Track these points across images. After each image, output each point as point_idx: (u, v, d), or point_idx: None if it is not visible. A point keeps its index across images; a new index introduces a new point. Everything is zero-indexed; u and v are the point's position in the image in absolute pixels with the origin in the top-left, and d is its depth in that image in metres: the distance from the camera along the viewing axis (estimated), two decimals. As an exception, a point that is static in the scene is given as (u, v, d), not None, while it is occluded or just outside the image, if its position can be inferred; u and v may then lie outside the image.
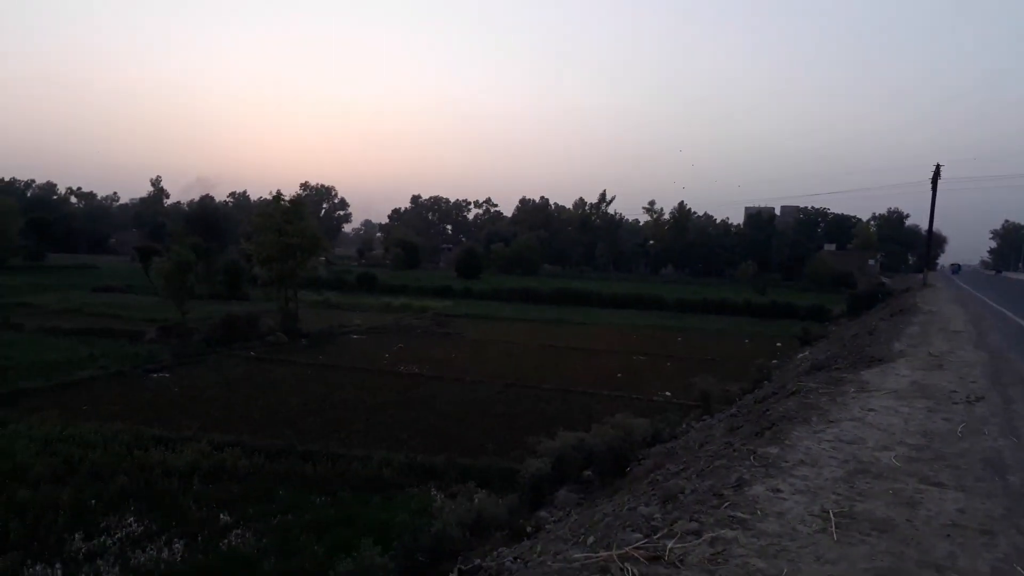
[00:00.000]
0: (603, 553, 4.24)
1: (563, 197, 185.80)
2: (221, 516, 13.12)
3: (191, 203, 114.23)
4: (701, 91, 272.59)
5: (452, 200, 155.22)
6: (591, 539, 5.86)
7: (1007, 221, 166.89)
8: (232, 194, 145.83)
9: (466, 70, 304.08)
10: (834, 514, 4.49)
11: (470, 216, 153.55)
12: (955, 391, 8.94)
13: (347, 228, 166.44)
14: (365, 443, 17.48)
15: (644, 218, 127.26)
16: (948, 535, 4.21)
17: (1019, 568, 3.77)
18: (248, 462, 15.57)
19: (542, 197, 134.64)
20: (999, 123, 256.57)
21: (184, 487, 14.33)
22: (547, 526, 10.79)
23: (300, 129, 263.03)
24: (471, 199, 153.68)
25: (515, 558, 7.68)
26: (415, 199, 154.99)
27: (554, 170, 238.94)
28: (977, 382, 9.70)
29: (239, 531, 12.54)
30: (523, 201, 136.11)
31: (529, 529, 10.90)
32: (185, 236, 51.76)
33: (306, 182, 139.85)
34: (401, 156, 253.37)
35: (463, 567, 8.50)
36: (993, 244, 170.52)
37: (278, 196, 39.96)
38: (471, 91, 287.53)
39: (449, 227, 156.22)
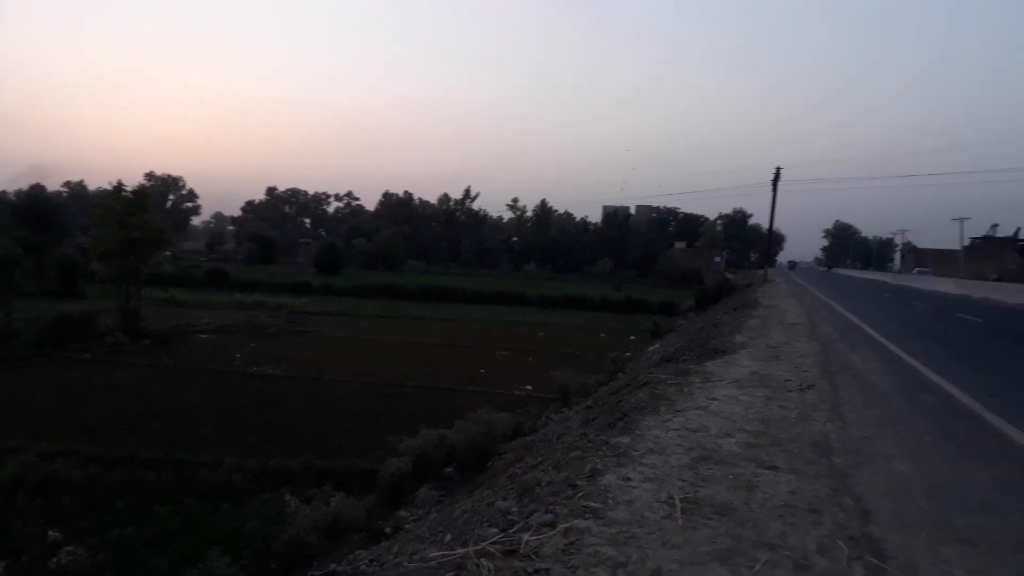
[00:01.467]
0: (459, 550, 4.20)
1: (427, 192, 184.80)
2: (50, 533, 12.06)
3: (19, 193, 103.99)
4: (564, 92, 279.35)
5: (311, 193, 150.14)
6: (448, 536, 5.82)
7: (837, 221, 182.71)
8: (67, 184, 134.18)
9: (326, 60, 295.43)
10: (680, 500, 4.67)
11: (330, 210, 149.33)
12: (790, 380, 9.60)
13: (196, 221, 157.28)
14: (214, 448, 16.62)
15: (508, 215, 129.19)
16: (781, 515, 4.48)
17: (840, 543, 4.07)
18: (83, 472, 14.41)
19: (406, 191, 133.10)
20: (836, 131, 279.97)
21: (7, 503, 13.05)
22: (406, 526, 10.67)
23: (147, 117, 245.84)
24: (331, 192, 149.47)
25: (371, 560, 7.53)
26: (271, 191, 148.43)
27: (418, 165, 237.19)
28: (809, 371, 10.47)
29: (71, 548, 11.57)
30: (386, 195, 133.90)
31: (388, 530, 10.74)
32: (11, 229, 47.14)
33: (151, 172, 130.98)
34: (256, 147, 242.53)
35: (316, 573, 8.24)
36: (825, 243, 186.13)
37: (119, 186, 37.26)
38: (331, 82, 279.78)
39: (308, 221, 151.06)
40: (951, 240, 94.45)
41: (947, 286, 48.79)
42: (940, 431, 6.99)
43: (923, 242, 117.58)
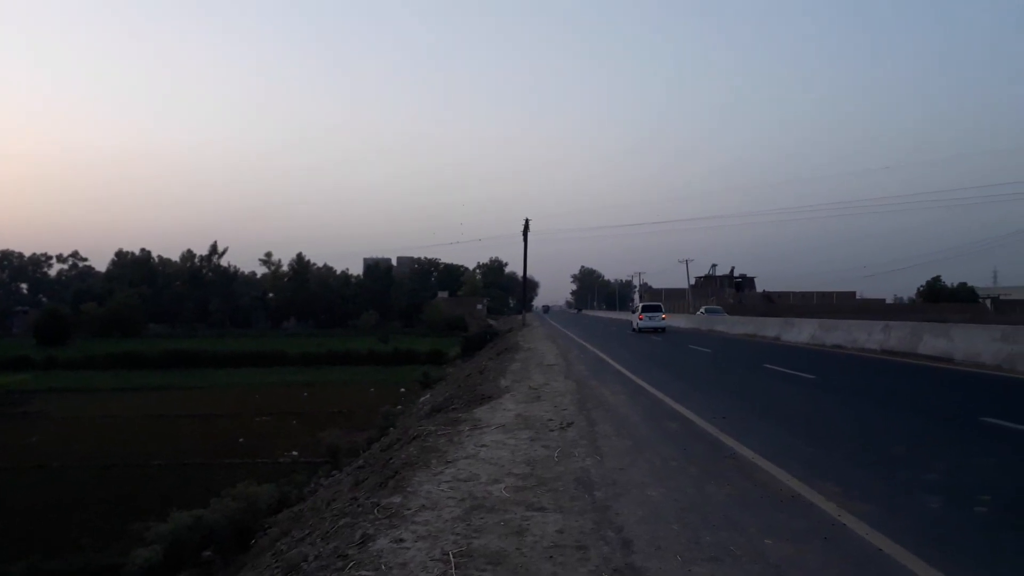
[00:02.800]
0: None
1: (168, 249, 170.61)
2: None
3: None
4: (317, 141, 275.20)
5: (27, 254, 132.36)
6: (207, 631, 5.26)
7: (583, 267, 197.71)
8: None
9: (39, 101, 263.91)
10: (453, 555, 4.61)
11: (52, 273, 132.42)
12: (551, 419, 10.03)
13: None
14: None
15: (261, 270, 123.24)
16: (551, 556, 4.59)
17: (607, 576, 4.25)
18: None
19: (143, 249, 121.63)
20: (579, 183, 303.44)
21: None
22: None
23: None
24: (53, 252, 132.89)
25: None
26: None
27: (156, 219, 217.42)
28: (568, 409, 11.03)
29: None
30: (119, 254, 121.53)
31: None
32: None
33: None
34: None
35: None
36: (574, 287, 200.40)
37: None
38: (46, 130, 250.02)
39: (25, 286, 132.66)
40: (679, 279, 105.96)
41: (679, 321, 54.51)
42: (684, 455, 7.65)
43: (656, 283, 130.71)
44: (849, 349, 23.68)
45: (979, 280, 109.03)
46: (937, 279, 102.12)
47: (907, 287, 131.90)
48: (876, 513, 5.39)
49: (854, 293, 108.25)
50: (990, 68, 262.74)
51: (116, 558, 13.12)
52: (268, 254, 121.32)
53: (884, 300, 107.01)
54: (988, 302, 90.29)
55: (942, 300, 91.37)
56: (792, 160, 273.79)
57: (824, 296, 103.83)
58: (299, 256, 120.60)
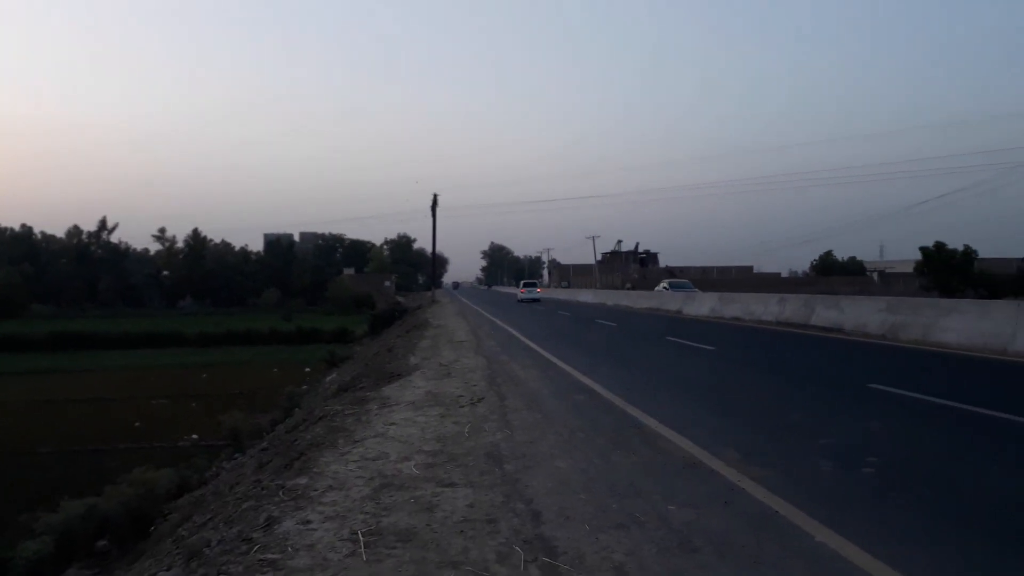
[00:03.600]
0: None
1: (53, 225, 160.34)
2: None
3: None
4: (213, 113, 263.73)
5: None
6: (100, 625, 5.01)
7: (492, 243, 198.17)
8: None
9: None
10: (362, 534, 4.54)
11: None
12: (461, 395, 10.02)
13: None
14: None
15: (155, 247, 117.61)
16: (462, 531, 4.59)
17: (516, 548, 4.28)
18: None
19: (23, 225, 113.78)
20: (488, 158, 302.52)
21: None
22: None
23: None
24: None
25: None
26: None
27: (38, 194, 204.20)
28: (478, 385, 11.04)
29: None
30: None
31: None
32: None
33: None
34: None
35: None
36: (484, 263, 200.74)
37: None
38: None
39: None
40: (588, 255, 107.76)
41: (586, 296, 55.54)
42: (591, 427, 7.79)
43: (565, 258, 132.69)
44: (747, 321, 24.71)
45: (867, 254, 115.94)
46: (829, 253, 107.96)
47: (801, 261, 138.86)
48: (773, 477, 5.64)
49: (751, 267, 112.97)
50: (876, 50, 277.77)
51: (2, 551, 12.36)
52: (162, 230, 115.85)
53: (779, 274, 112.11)
54: (875, 275, 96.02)
55: (833, 273, 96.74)
56: (697, 139, 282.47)
57: (723, 271, 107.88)
58: (195, 232, 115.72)
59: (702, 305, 30.71)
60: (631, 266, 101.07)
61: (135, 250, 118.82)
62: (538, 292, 58.22)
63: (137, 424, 25.54)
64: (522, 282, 65.22)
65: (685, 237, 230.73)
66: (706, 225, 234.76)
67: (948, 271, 49.18)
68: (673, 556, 4.15)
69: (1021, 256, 68.18)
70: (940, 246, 50.12)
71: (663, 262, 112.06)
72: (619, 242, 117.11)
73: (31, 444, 22.16)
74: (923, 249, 51.08)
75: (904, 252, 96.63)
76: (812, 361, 14.52)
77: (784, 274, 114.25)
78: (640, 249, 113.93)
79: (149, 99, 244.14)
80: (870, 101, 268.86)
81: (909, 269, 68.70)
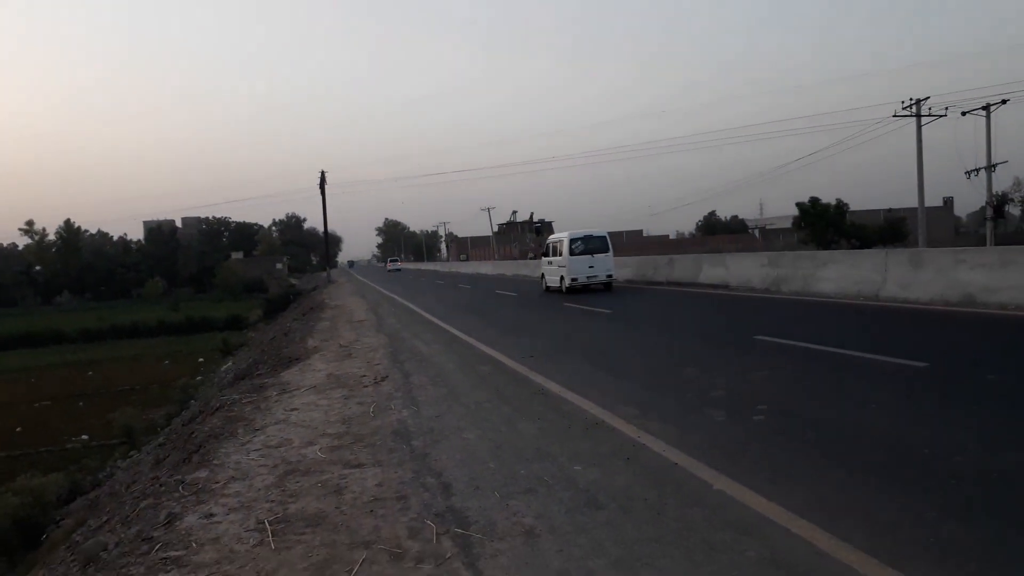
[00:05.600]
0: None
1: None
2: None
3: None
4: (76, 92, 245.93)
5: None
6: (-10, 645, 4.73)
7: (387, 219, 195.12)
8: None
9: None
10: (269, 523, 4.47)
11: None
12: (365, 375, 9.91)
13: None
14: None
15: (23, 240, 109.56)
16: (372, 510, 4.58)
17: (428, 522, 4.31)
18: None
19: None
20: (378, 134, 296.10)
21: None
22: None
23: None
24: None
25: None
26: None
27: None
28: (381, 363, 10.95)
29: None
30: None
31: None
32: None
33: None
34: None
35: None
36: (380, 239, 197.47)
37: None
38: None
39: None
40: (484, 228, 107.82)
41: (486, 268, 55.73)
42: (496, 396, 7.89)
43: (462, 231, 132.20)
44: (640, 283, 25.46)
45: (748, 213, 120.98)
46: (712, 214, 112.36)
47: (687, 223, 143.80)
48: (670, 431, 5.90)
49: (641, 231, 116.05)
50: (752, 13, 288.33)
51: None
52: (29, 223, 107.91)
53: (668, 236, 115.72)
54: (757, 232, 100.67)
55: (718, 232, 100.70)
56: (584, 107, 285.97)
57: (615, 235, 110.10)
58: (67, 223, 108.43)
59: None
60: (527, 236, 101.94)
61: (1, 246, 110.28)
62: (399, 264, 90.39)
63: (19, 429, 23.96)
64: (388, 259, 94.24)
65: (577, 205, 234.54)
66: (597, 192, 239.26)
67: (823, 224, 51.89)
68: (580, 514, 4.29)
69: (887, 207, 72.97)
70: (815, 201, 52.76)
71: (557, 230, 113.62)
72: (514, 212, 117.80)
73: None
74: (799, 205, 53.65)
75: (782, 209, 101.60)
76: (702, 317, 15.15)
77: (672, 236, 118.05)
78: (535, 219, 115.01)
79: (7, 84, 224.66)
80: (744, 64, 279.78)
81: (788, 224, 72.30)
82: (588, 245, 22.79)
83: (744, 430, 5.92)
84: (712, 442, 5.59)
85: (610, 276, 23.03)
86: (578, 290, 22.64)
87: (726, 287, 20.00)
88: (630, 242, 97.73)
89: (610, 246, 23.25)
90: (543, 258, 25.98)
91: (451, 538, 4.07)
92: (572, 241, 22.91)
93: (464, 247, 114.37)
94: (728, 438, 5.73)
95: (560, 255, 23.42)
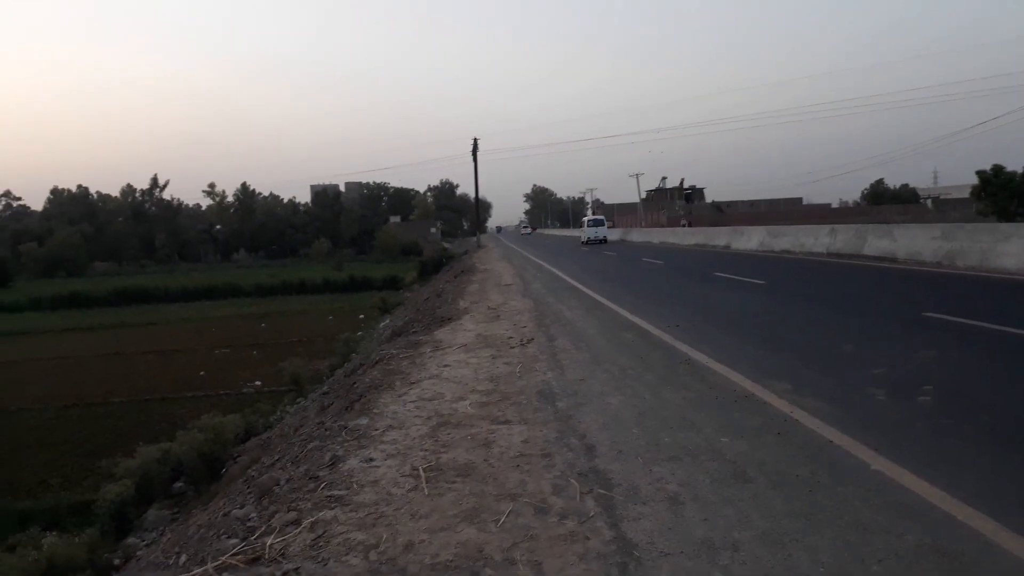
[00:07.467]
0: (197, 570, 3.88)
1: (106, 184, 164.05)
2: None
3: None
4: (255, 68, 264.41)
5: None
6: (184, 557, 5.35)
7: (535, 185, 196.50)
8: None
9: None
10: (423, 470, 4.73)
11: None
12: (511, 337, 10.16)
13: None
14: None
15: (206, 202, 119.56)
16: (518, 465, 4.74)
17: (572, 481, 4.42)
18: None
19: (80, 186, 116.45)
20: (529, 100, 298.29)
21: None
22: (138, 553, 9.70)
23: None
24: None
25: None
26: None
27: (92, 155, 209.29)
28: (527, 326, 11.17)
29: None
30: (55, 191, 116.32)
31: (117, 562, 9.70)
32: None
33: None
34: None
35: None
36: (527, 206, 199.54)
37: None
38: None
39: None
40: (631, 194, 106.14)
41: (632, 235, 55.01)
42: (640, 364, 7.86)
43: (609, 198, 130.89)
44: (797, 254, 24.27)
45: (920, 181, 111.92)
46: (880, 182, 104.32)
47: (852, 191, 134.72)
48: (826, 408, 5.66)
49: (800, 199, 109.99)
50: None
51: (87, 495, 13.14)
52: (211, 185, 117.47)
53: (830, 205, 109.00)
54: (929, 202, 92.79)
55: (885, 202, 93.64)
56: (739, 69, 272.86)
57: (772, 203, 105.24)
58: (244, 186, 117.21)
59: (751, 239, 30.20)
60: (676, 203, 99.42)
61: (187, 206, 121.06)
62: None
63: (202, 373, 26.51)
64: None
65: (731, 171, 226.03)
66: (752, 158, 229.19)
67: (1007, 195, 46.89)
68: (727, 486, 4.23)
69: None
70: (998, 169, 47.57)
71: (709, 197, 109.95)
72: (663, 179, 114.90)
73: (104, 395, 23.22)
74: (980, 173, 48.58)
75: (960, 177, 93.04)
76: (864, 291, 14.26)
77: (834, 205, 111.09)
78: (686, 185, 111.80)
79: (192, 58, 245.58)
80: (920, 23, 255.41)
81: (965, 195, 66.04)
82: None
83: (908, 411, 5.58)
84: (871, 421, 5.32)
85: None
86: (723, 259, 21.91)
87: (892, 260, 18.67)
88: (788, 210, 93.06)
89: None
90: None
91: (594, 498, 4.15)
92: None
93: (610, 213, 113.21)
94: (889, 418, 5.42)
95: None
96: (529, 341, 9.69)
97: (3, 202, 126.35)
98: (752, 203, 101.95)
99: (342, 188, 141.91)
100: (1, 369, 29.89)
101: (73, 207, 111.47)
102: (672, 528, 3.71)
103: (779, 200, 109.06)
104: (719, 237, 34.77)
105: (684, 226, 54.67)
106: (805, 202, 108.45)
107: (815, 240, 24.21)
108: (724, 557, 3.37)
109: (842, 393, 6.21)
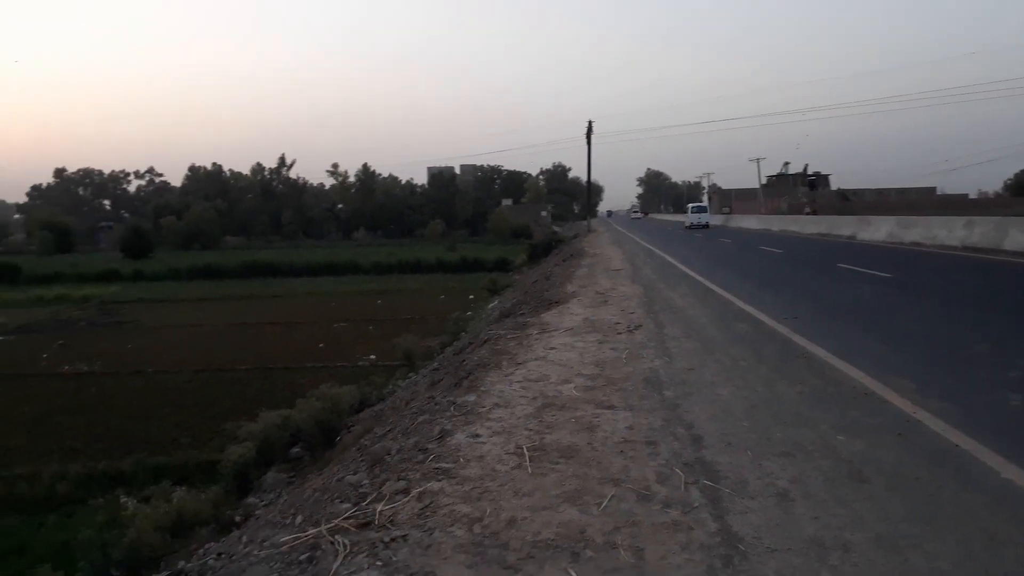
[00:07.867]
0: (311, 531, 4.09)
1: (238, 163, 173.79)
2: None
3: None
4: (376, 52, 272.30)
5: (107, 172, 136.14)
6: (300, 518, 5.66)
7: (649, 169, 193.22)
8: None
9: (109, 27, 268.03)
10: (528, 449, 4.80)
11: (131, 189, 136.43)
12: (619, 322, 10.09)
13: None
14: (30, 459, 15.15)
15: (329, 181, 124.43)
16: (622, 451, 4.73)
17: (677, 470, 4.37)
18: None
19: (214, 163, 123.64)
20: (643, 83, 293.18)
21: None
22: (257, 512, 10.28)
23: None
24: (130, 169, 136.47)
25: (219, 554, 7.18)
26: (59, 172, 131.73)
27: (224, 134, 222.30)
28: (635, 312, 11.06)
29: None
30: (193, 169, 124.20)
31: (238, 519, 10.31)
32: None
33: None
34: (37, 126, 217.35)
35: (163, 574, 7.77)
36: (640, 190, 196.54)
37: None
38: (119, 52, 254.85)
39: (107, 203, 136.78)
40: (750, 179, 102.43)
41: (750, 222, 53.18)
42: (754, 355, 7.64)
43: (726, 183, 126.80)
44: (928, 246, 22.78)
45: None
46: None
47: (993, 181, 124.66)
48: (953, 411, 5.33)
49: (934, 189, 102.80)
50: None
51: (213, 454, 14.10)
52: (335, 165, 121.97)
53: (967, 195, 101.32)
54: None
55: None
56: (867, 50, 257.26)
57: (902, 192, 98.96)
58: (365, 167, 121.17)
59: (878, 229, 28.58)
60: (799, 189, 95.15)
61: (312, 185, 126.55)
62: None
63: (321, 345, 27.78)
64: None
65: (859, 158, 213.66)
66: (884, 144, 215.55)
67: None
68: (841, 486, 4.08)
69: None
70: None
71: (835, 184, 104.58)
72: (786, 164, 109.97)
73: (231, 361, 24.76)
74: None
75: None
76: (1002, 289, 13.24)
77: (972, 195, 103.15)
78: (809, 171, 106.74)
79: (320, 47, 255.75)
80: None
81: None
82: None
83: (1048, 419, 5.17)
84: (1003, 427, 4.97)
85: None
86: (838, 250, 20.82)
87: (1040, 256, 17.22)
88: (920, 200, 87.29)
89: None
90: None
91: (700, 489, 4.09)
92: None
93: (727, 199, 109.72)
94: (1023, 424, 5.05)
95: None
96: (637, 327, 9.60)
97: (147, 178, 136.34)
98: (880, 192, 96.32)
99: (457, 170, 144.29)
100: (144, 334, 32.40)
101: (208, 184, 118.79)
102: (780, 525, 3.61)
103: (910, 189, 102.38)
104: (844, 226, 33.09)
105: (807, 214, 52.38)
106: (939, 192, 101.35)
107: (948, 232, 22.65)
108: (834, 557, 3.26)
109: (972, 395, 5.83)
